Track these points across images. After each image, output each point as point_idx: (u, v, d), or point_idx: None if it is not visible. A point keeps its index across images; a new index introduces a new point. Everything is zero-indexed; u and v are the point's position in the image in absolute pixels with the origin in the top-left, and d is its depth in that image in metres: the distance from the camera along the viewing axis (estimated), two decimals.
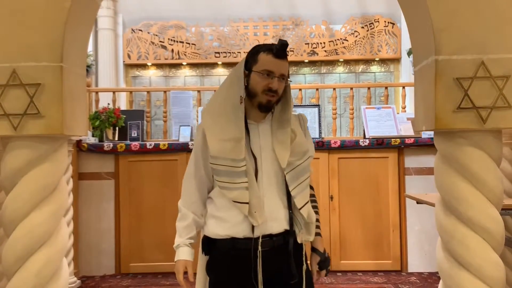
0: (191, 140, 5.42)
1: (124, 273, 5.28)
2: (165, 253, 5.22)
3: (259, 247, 1.98)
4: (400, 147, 5.19)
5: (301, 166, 2.05)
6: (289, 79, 2.09)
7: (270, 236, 2.01)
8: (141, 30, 8.89)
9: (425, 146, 5.15)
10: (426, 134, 5.09)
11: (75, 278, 4.87)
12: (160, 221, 5.24)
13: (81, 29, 1.98)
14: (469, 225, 1.74)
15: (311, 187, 2.20)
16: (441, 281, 1.88)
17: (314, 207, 2.17)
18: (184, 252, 2.09)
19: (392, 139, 5.16)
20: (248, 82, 2.05)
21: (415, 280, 4.92)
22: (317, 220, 2.16)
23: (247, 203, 1.95)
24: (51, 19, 1.80)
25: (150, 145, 5.25)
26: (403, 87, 6.12)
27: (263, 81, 2.00)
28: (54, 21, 1.80)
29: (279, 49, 2.00)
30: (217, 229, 2.05)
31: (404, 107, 5.94)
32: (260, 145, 2.06)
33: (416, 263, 5.23)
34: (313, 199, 2.19)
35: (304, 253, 2.10)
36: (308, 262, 2.15)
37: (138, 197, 5.28)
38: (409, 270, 5.22)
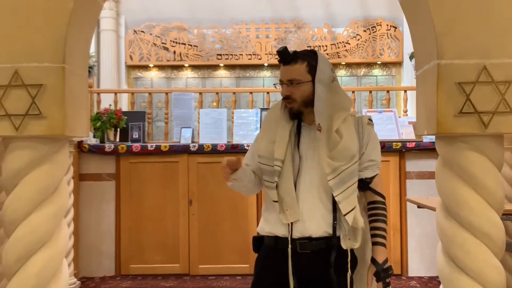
0: (192, 142, 5.43)
1: (124, 275, 5.28)
2: (165, 255, 5.22)
3: (289, 247, 2.01)
4: (401, 151, 5.19)
5: (347, 171, 2.00)
6: (308, 80, 2.07)
7: (310, 239, 2.02)
8: (143, 32, 8.90)
9: (427, 150, 5.15)
10: (428, 138, 5.09)
11: (75, 279, 4.87)
12: (160, 222, 5.24)
13: (83, 30, 1.98)
14: (470, 229, 1.74)
15: (382, 195, 2.15)
16: (441, 286, 1.88)
17: (380, 214, 2.12)
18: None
19: (394, 143, 5.15)
20: None
21: (415, 285, 4.92)
22: (381, 229, 2.10)
23: (276, 201, 2.03)
24: (54, 20, 1.81)
25: (151, 146, 5.26)
26: (405, 91, 6.12)
27: (282, 91, 2.10)
28: (57, 22, 1.81)
29: (279, 57, 2.08)
30: (264, 226, 2.14)
31: (405, 111, 5.94)
32: (308, 146, 2.09)
33: (416, 267, 5.22)
34: (378, 205, 2.13)
35: (349, 260, 2.04)
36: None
37: (139, 198, 5.27)
38: (409, 274, 5.21)
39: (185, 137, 5.47)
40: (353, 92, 6.08)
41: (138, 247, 5.27)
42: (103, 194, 5.32)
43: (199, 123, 5.55)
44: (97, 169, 5.34)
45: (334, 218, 2.02)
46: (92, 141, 5.36)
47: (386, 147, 5.14)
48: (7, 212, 1.83)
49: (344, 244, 2.03)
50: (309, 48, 2.20)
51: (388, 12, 8.68)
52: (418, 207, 3.90)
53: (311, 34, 8.85)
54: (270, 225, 2.10)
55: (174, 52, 8.90)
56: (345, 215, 1.98)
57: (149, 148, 5.24)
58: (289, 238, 2.02)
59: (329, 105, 2.06)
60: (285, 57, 2.07)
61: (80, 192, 5.27)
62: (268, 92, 6.12)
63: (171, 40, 8.88)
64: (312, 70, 2.07)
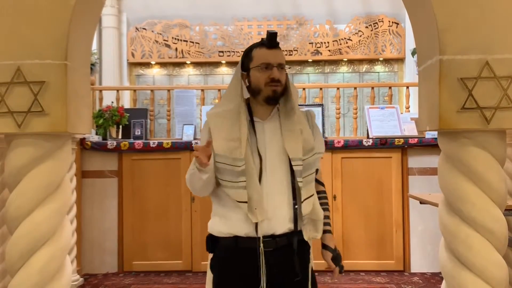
0: (195, 138, 5.43)
1: (126, 271, 5.29)
2: (168, 252, 5.23)
3: (261, 246, 1.98)
4: (403, 147, 5.19)
5: (306, 161, 2.04)
6: (287, 67, 2.10)
7: (273, 236, 2.01)
8: (145, 29, 8.89)
9: (429, 146, 5.14)
10: (430, 134, 5.08)
11: (78, 276, 4.89)
12: (163, 219, 5.25)
13: (85, 27, 1.98)
14: (473, 225, 1.74)
15: (322, 184, 2.23)
16: (444, 282, 1.88)
17: (325, 203, 2.18)
18: None
19: (396, 139, 5.15)
20: (249, 81, 2.10)
21: (418, 280, 4.92)
22: (327, 217, 2.16)
23: (245, 202, 1.97)
24: (56, 17, 1.81)
25: (154, 143, 5.26)
26: (407, 87, 6.11)
27: (264, 74, 2.04)
28: (59, 19, 1.81)
29: (270, 39, 2.05)
30: (221, 227, 2.08)
31: (408, 107, 5.94)
32: (266, 142, 2.07)
33: (419, 263, 5.22)
34: (323, 195, 2.21)
35: (310, 251, 2.09)
36: (322, 260, 2.16)
37: (141, 195, 5.28)
38: (412, 270, 5.22)
39: (187, 134, 5.47)
40: (355, 88, 6.07)
41: (141, 244, 5.28)
42: (106, 191, 5.33)
43: (201, 120, 5.56)
44: (100, 166, 5.35)
45: (295, 212, 2.02)
46: (95, 138, 5.36)
47: (388, 143, 5.14)
48: (10, 209, 1.84)
49: (306, 235, 2.05)
50: None
51: (390, 8, 8.65)
52: (421, 203, 3.89)
53: (313, 30, 8.83)
54: (230, 225, 2.04)
55: (176, 49, 8.89)
56: (303, 201, 2.00)
57: (151, 145, 5.25)
58: (261, 237, 1.99)
59: (294, 95, 2.11)
60: (276, 40, 2.06)
61: (82, 189, 5.29)
62: None
63: (173, 37, 8.87)
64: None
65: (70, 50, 1.82)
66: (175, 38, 8.87)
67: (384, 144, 5.15)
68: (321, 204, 2.15)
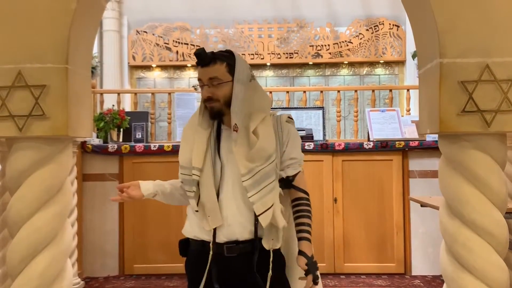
0: None
1: (127, 274, 5.29)
2: (169, 255, 5.22)
3: (211, 253, 2.01)
4: (404, 150, 5.19)
5: (263, 171, 1.99)
6: (228, 80, 2.06)
7: (237, 242, 2.02)
8: (146, 32, 8.90)
9: (430, 149, 5.14)
10: (431, 137, 5.08)
11: (79, 279, 4.88)
12: (164, 222, 5.24)
13: (86, 30, 1.98)
14: (473, 228, 1.74)
15: (303, 190, 2.14)
16: (445, 284, 1.88)
17: (303, 210, 2.11)
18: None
19: (397, 142, 5.15)
20: None
21: (418, 283, 4.91)
22: (305, 224, 2.09)
23: (197, 210, 2.05)
24: (57, 20, 1.81)
25: (155, 146, 5.26)
26: (408, 90, 6.11)
27: (202, 92, 2.10)
28: (60, 22, 1.81)
29: (197, 58, 2.08)
30: (189, 231, 2.17)
31: (408, 110, 5.93)
32: (228, 149, 2.07)
33: (420, 266, 5.21)
34: (301, 202, 2.13)
35: (271, 260, 2.01)
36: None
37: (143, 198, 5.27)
38: (413, 273, 5.21)
39: None
40: (355, 91, 6.07)
41: (142, 246, 5.28)
42: (107, 194, 5.33)
43: None
44: (101, 169, 5.35)
45: (256, 220, 2.00)
46: (96, 141, 5.36)
47: (389, 146, 5.14)
48: (11, 212, 1.84)
49: (267, 245, 2.02)
50: (224, 49, 2.18)
51: (391, 11, 8.66)
52: (421, 206, 3.89)
53: (314, 33, 8.84)
54: (196, 230, 2.10)
55: (177, 52, 8.90)
56: (258, 215, 1.97)
57: (152, 148, 5.25)
58: (211, 244, 2.02)
59: (247, 105, 2.06)
60: (204, 58, 2.06)
61: (83, 192, 5.29)
62: (271, 92, 6.12)
63: (173, 40, 8.88)
64: (232, 70, 2.07)
65: (71, 54, 1.83)
66: (176, 41, 8.88)
67: (384, 146, 5.15)
68: (297, 211, 2.11)
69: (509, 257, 3.29)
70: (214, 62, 2.06)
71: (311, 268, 2.02)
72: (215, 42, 8.94)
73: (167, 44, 8.89)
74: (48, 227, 1.84)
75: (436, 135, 1.88)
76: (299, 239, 2.08)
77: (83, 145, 5.21)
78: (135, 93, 6.74)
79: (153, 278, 5.20)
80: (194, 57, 2.07)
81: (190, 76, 9.16)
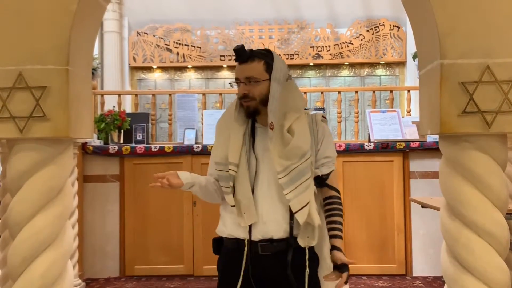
0: (196, 143, 5.44)
1: (128, 276, 5.29)
2: (169, 256, 5.22)
3: (246, 249, 2.02)
4: (405, 151, 5.18)
5: (298, 169, 2.01)
6: (265, 79, 2.07)
7: (271, 240, 2.02)
8: (146, 33, 8.91)
9: (430, 150, 5.14)
10: (431, 138, 5.08)
11: (80, 281, 4.88)
12: (164, 224, 5.25)
13: (87, 32, 1.99)
14: (474, 229, 1.74)
15: (335, 189, 2.16)
16: (445, 285, 1.87)
17: (334, 209, 2.12)
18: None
19: (397, 143, 5.15)
20: None
21: (419, 284, 4.91)
22: (339, 223, 2.10)
23: (233, 205, 2.04)
24: (57, 22, 1.81)
25: (155, 148, 5.26)
26: (408, 91, 6.11)
27: (238, 89, 2.10)
28: (60, 24, 1.81)
29: (236, 55, 2.07)
30: (223, 229, 2.14)
31: (409, 111, 5.94)
32: (264, 147, 2.08)
33: (421, 267, 5.21)
34: (333, 201, 2.14)
35: (307, 258, 2.05)
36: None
37: (143, 199, 5.28)
38: (414, 274, 5.21)
39: (188, 138, 5.47)
40: (356, 92, 6.08)
41: (143, 248, 5.28)
42: (108, 196, 5.33)
43: (202, 124, 5.56)
44: (101, 170, 5.35)
45: (291, 218, 2.02)
46: (96, 142, 5.37)
47: (390, 147, 5.14)
48: (12, 214, 1.84)
49: (302, 242, 2.03)
50: (263, 48, 2.18)
51: (391, 12, 8.67)
52: (422, 207, 3.90)
53: (314, 34, 8.84)
54: (230, 228, 2.10)
55: (178, 53, 8.91)
56: (295, 212, 1.98)
57: (153, 149, 5.25)
58: (246, 241, 2.03)
59: (283, 104, 2.08)
60: (243, 55, 2.07)
61: (84, 194, 5.29)
62: None
63: (174, 41, 8.89)
64: (269, 68, 2.08)
65: (72, 55, 1.83)
66: (177, 42, 8.89)
67: (385, 147, 5.15)
68: (330, 209, 2.12)
69: (510, 258, 3.29)
70: (252, 59, 2.07)
71: (344, 267, 2.06)
72: (215, 43, 8.95)
73: (168, 45, 8.90)
74: (49, 228, 1.84)
75: (437, 136, 1.87)
76: (333, 236, 2.09)
77: (84, 146, 5.21)
78: (136, 94, 6.74)
79: (154, 279, 5.19)
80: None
81: (191, 77, 9.17)
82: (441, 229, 1.86)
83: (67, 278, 1.92)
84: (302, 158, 2.02)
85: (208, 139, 5.39)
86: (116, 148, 5.25)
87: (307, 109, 2.72)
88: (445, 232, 1.83)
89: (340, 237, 2.09)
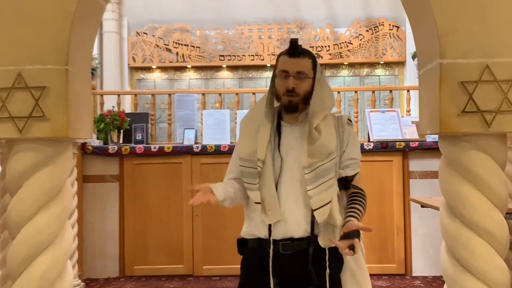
0: (196, 143, 5.43)
1: (128, 276, 5.28)
2: (169, 256, 5.22)
3: (271, 248, 2.01)
4: (404, 150, 5.18)
5: (323, 167, 2.01)
6: (311, 77, 2.09)
7: (292, 239, 2.02)
8: (146, 33, 8.91)
9: (430, 150, 5.14)
10: (431, 138, 5.08)
11: (79, 281, 4.88)
12: (164, 224, 5.24)
13: (86, 32, 1.98)
14: (474, 229, 1.74)
15: (360, 188, 2.13)
16: (445, 285, 1.87)
17: (360, 201, 2.06)
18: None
19: (397, 143, 5.15)
20: (274, 86, 2.13)
21: (419, 284, 4.91)
22: (359, 211, 2.01)
23: (259, 202, 2.02)
24: (57, 22, 1.81)
25: (155, 148, 5.26)
26: (408, 91, 6.11)
27: (282, 83, 2.07)
28: (60, 24, 1.81)
29: (291, 47, 2.07)
30: (247, 229, 2.14)
31: (408, 111, 5.93)
32: (289, 146, 2.08)
33: (420, 267, 5.21)
34: (361, 193, 2.10)
35: (327, 258, 2.04)
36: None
37: (143, 199, 5.28)
38: (414, 274, 5.21)
39: (188, 138, 5.47)
40: (356, 92, 6.07)
41: (142, 248, 5.27)
42: (107, 196, 5.33)
43: (202, 124, 5.56)
44: (101, 170, 5.34)
45: (312, 217, 2.02)
46: (96, 142, 5.36)
47: (389, 147, 5.14)
48: (11, 214, 1.84)
49: (322, 243, 2.03)
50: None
51: (391, 11, 8.67)
52: (422, 206, 3.89)
53: (314, 34, 8.85)
54: (252, 227, 2.10)
55: (177, 53, 8.91)
56: (314, 210, 1.98)
57: (152, 150, 5.25)
58: (271, 240, 2.02)
59: (318, 103, 2.09)
60: (297, 48, 2.07)
61: (84, 194, 5.28)
62: None
63: (173, 42, 8.89)
64: (314, 68, 2.10)
65: (71, 55, 1.83)
66: (176, 42, 8.89)
67: (385, 147, 5.14)
68: (353, 199, 2.07)
69: (510, 257, 3.29)
70: (304, 55, 2.08)
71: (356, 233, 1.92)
72: (215, 43, 8.95)
73: (167, 45, 8.91)
74: (48, 228, 1.84)
75: (436, 136, 1.87)
76: (348, 217, 1.99)
77: (83, 146, 5.21)
78: (135, 95, 6.74)
79: (154, 279, 5.19)
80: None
81: (190, 77, 9.17)
82: (441, 229, 1.86)
83: (66, 278, 1.92)
84: (328, 157, 2.02)
85: (208, 139, 5.39)
86: (116, 148, 5.25)
87: None
88: (444, 231, 1.83)
89: (356, 218, 1.99)
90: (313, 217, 2.01)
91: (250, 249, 2.15)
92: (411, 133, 5.30)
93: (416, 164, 5.23)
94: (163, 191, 5.27)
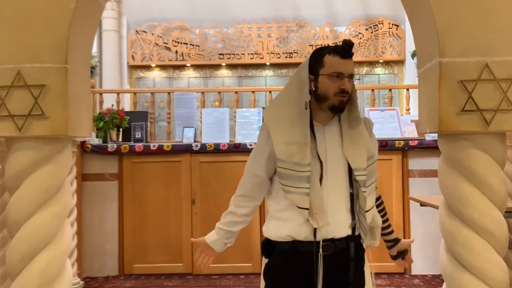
0: (195, 141, 5.43)
1: (127, 274, 5.28)
2: (168, 255, 5.22)
3: (320, 250, 1.96)
4: (404, 149, 5.18)
5: (369, 169, 2.04)
6: (356, 77, 2.11)
7: (332, 240, 2.00)
8: (145, 32, 8.91)
9: (429, 148, 5.14)
10: (430, 137, 5.08)
11: (79, 279, 4.88)
12: (163, 222, 5.24)
13: (85, 30, 1.98)
14: (473, 227, 1.74)
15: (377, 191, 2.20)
16: (444, 284, 1.88)
17: (384, 209, 2.22)
18: (209, 234, 2.17)
19: (396, 141, 5.15)
20: (316, 86, 2.04)
21: (418, 283, 4.91)
22: (388, 224, 2.24)
23: (307, 208, 1.94)
24: (56, 20, 1.81)
25: (154, 146, 5.26)
26: (407, 89, 6.11)
27: (334, 83, 2.00)
28: (59, 22, 1.81)
29: (345, 49, 2.02)
30: (279, 231, 2.04)
31: (408, 109, 5.93)
32: (326, 147, 2.04)
33: (419, 266, 5.21)
34: (382, 201, 2.23)
35: (366, 257, 2.10)
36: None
37: (142, 198, 5.28)
38: (413, 273, 5.21)
39: (187, 137, 5.47)
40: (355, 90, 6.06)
41: (141, 246, 5.28)
42: (106, 194, 5.33)
43: (201, 122, 5.56)
44: (100, 169, 5.35)
45: (353, 218, 2.02)
46: (95, 141, 5.36)
47: (389, 146, 5.14)
48: (10, 212, 1.84)
49: (364, 243, 2.07)
50: None
51: (390, 10, 8.67)
52: (421, 205, 3.89)
53: (313, 33, 8.84)
54: (291, 228, 2.00)
55: (176, 52, 8.91)
56: (367, 211, 1.99)
57: (151, 148, 5.25)
58: (320, 242, 1.97)
59: (356, 103, 2.13)
60: (350, 50, 2.05)
61: (83, 192, 5.28)
62: (270, 91, 6.12)
63: (173, 40, 8.89)
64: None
65: (70, 54, 1.83)
66: (175, 41, 8.89)
67: (384, 146, 5.14)
68: (383, 210, 2.21)
69: (509, 256, 3.29)
70: (351, 56, 2.08)
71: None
72: (214, 41, 8.95)
73: (167, 44, 8.90)
74: (47, 227, 1.84)
75: (436, 135, 1.88)
76: (391, 232, 2.32)
77: (82, 145, 5.21)
78: (135, 93, 6.74)
79: (153, 278, 5.19)
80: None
81: (190, 76, 9.17)
82: (440, 227, 1.86)
83: (65, 276, 1.92)
84: (370, 159, 2.06)
85: (207, 138, 5.39)
86: (115, 146, 5.25)
87: None
88: (444, 230, 1.83)
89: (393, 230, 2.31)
90: (353, 218, 2.02)
91: (282, 253, 2.04)
92: (411, 132, 5.30)
93: (416, 163, 5.23)
94: (162, 189, 5.27)
